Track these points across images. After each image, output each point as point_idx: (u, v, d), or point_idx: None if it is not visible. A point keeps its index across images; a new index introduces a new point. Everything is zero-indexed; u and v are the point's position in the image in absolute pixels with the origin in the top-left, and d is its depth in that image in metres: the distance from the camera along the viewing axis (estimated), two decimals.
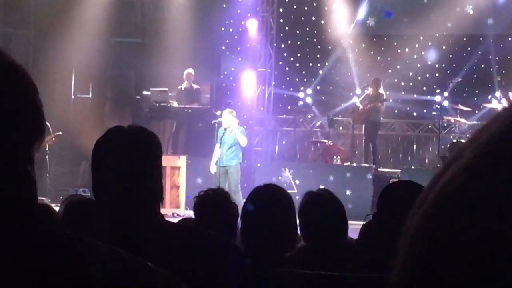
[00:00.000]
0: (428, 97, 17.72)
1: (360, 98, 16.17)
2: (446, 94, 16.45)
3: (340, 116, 18.19)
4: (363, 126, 16.12)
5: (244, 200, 3.59)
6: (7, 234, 1.15)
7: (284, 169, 15.29)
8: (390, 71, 18.16)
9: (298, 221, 3.68)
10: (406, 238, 0.68)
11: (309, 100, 17.89)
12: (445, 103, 16.27)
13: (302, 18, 18.94)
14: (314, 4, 18.72)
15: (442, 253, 0.65)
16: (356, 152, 16.72)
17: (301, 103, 17.89)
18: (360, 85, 17.14)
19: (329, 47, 18.69)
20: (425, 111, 17.82)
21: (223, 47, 18.88)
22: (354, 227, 5.11)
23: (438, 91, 17.08)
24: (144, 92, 18.12)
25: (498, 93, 15.89)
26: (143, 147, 2.45)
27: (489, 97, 16.03)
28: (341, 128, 18.26)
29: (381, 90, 15.86)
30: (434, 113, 16.56)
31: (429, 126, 17.74)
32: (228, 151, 13.50)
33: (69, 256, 1.17)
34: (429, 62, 18.28)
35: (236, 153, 13.57)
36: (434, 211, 0.67)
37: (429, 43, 18.26)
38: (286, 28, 18.85)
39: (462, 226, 0.64)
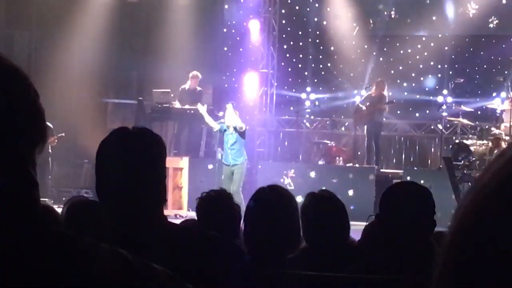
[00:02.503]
0: (431, 97, 17.73)
1: (362, 98, 16.16)
2: (448, 95, 16.44)
3: (342, 117, 18.18)
4: (365, 127, 16.11)
5: (247, 201, 3.59)
6: (11, 236, 1.15)
7: (287, 170, 15.28)
8: (392, 71, 18.15)
9: (300, 222, 3.68)
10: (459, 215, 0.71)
11: (312, 98, 17.91)
12: (448, 103, 16.26)
13: (304, 19, 18.94)
14: (316, 5, 18.72)
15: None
16: (359, 153, 16.71)
17: (307, 103, 17.91)
18: (363, 86, 17.13)
19: (331, 48, 18.69)
20: (427, 111, 17.81)
21: (225, 48, 18.89)
22: (357, 228, 5.10)
23: (440, 92, 17.08)
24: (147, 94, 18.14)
25: (502, 94, 15.87)
26: (148, 148, 2.45)
27: (493, 95, 16.02)
28: (343, 129, 18.25)
29: (385, 92, 15.86)
30: (437, 113, 16.55)
31: (432, 127, 17.73)
32: (233, 150, 13.52)
33: (72, 257, 1.17)
34: (432, 63, 18.27)
35: (241, 151, 13.58)
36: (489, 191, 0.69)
37: (432, 44, 18.26)
38: (288, 29, 18.85)
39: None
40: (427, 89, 18.19)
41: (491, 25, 17.57)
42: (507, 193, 0.67)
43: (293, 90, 18.68)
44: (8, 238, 1.15)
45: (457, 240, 0.71)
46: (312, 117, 18.33)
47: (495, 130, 14.12)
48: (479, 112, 16.43)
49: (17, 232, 1.16)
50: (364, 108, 15.89)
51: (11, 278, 1.12)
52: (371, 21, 18.50)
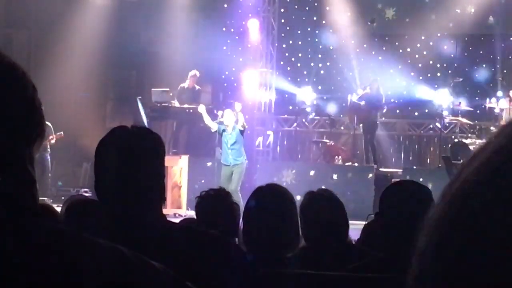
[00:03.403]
0: (430, 97, 17.73)
1: (358, 96, 16.14)
2: (447, 94, 16.44)
3: (341, 116, 18.19)
4: (361, 126, 16.10)
5: (245, 200, 3.59)
6: (10, 234, 1.15)
7: (286, 169, 15.28)
8: (391, 71, 18.15)
9: (299, 221, 3.68)
10: (431, 220, 0.70)
11: (311, 97, 17.92)
12: (447, 102, 16.27)
13: (304, 18, 18.93)
14: (316, 4, 18.72)
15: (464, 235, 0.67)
16: (358, 152, 16.71)
17: (308, 104, 17.92)
18: (362, 85, 17.12)
19: (331, 47, 18.69)
20: (426, 111, 17.82)
21: (225, 47, 18.88)
22: (356, 227, 5.11)
23: (439, 91, 17.08)
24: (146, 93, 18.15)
25: (499, 93, 15.88)
26: (147, 147, 2.45)
27: (492, 94, 16.03)
28: (342, 128, 18.25)
29: (381, 91, 15.87)
30: (436, 112, 16.55)
31: (431, 126, 17.74)
32: (233, 150, 13.53)
33: (72, 254, 1.17)
34: (431, 62, 18.27)
35: (241, 151, 13.61)
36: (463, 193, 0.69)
37: (431, 43, 18.26)
38: (288, 28, 18.84)
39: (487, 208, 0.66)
40: (426, 88, 18.19)
41: (490, 24, 17.57)
42: (491, 187, 0.67)
43: (292, 89, 18.67)
44: (7, 236, 1.15)
45: (429, 250, 0.71)
46: (311, 115, 18.32)
47: (492, 128, 14.13)
48: (478, 111, 16.43)
49: (16, 229, 1.16)
50: (362, 105, 15.85)
51: (9, 276, 1.12)
52: (370, 20, 18.48)
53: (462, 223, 0.67)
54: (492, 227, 0.65)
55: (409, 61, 18.30)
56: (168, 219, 2.61)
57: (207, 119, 14.19)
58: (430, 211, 0.74)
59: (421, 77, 18.33)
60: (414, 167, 16.62)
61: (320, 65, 18.89)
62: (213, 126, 14.02)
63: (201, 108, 14.38)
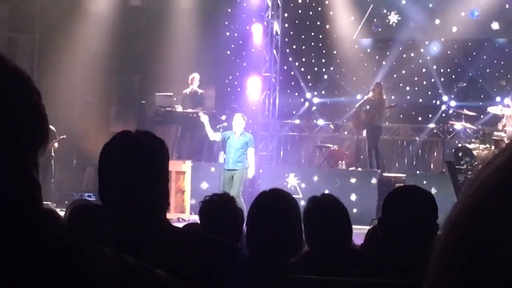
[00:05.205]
0: (433, 101, 17.72)
1: (360, 102, 16.13)
2: (451, 99, 16.43)
3: (345, 120, 18.19)
4: (365, 131, 16.08)
5: (248, 205, 3.59)
6: (13, 238, 1.15)
7: (289, 174, 15.27)
8: (395, 75, 18.15)
9: (302, 226, 3.67)
10: (448, 224, 0.70)
11: (315, 101, 17.93)
12: (450, 107, 16.26)
13: (307, 23, 18.95)
14: (319, 8, 18.73)
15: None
16: (361, 156, 16.70)
17: (314, 108, 17.92)
18: (365, 90, 17.12)
19: (334, 52, 18.69)
20: (430, 115, 17.82)
21: (228, 52, 18.90)
22: (359, 232, 5.11)
23: (443, 96, 17.07)
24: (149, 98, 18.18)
25: (501, 98, 15.86)
26: (151, 152, 2.45)
27: (496, 99, 16.02)
28: (346, 132, 18.25)
29: (384, 95, 15.85)
30: (440, 117, 16.53)
31: (434, 131, 17.73)
32: (235, 155, 13.47)
33: (74, 261, 1.17)
34: (434, 67, 18.27)
35: (243, 158, 13.52)
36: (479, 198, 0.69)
37: (434, 48, 18.26)
38: (291, 32, 18.85)
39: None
40: (429, 93, 18.19)
41: (493, 29, 17.56)
42: (507, 189, 0.66)
43: (296, 94, 18.67)
44: (11, 241, 1.15)
45: (449, 244, 0.70)
46: (314, 120, 18.33)
47: (497, 133, 14.12)
48: (481, 116, 16.41)
49: (20, 234, 1.16)
50: (364, 112, 15.86)
51: (13, 282, 1.12)
52: (373, 25, 18.49)
53: (480, 224, 0.67)
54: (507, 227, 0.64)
55: (412, 66, 18.30)
56: (172, 223, 2.61)
57: (208, 129, 14.07)
58: (449, 212, 0.74)
59: (424, 82, 18.33)
60: (418, 172, 16.60)
61: (323, 69, 18.90)
62: (215, 137, 13.91)
63: (204, 118, 14.21)
